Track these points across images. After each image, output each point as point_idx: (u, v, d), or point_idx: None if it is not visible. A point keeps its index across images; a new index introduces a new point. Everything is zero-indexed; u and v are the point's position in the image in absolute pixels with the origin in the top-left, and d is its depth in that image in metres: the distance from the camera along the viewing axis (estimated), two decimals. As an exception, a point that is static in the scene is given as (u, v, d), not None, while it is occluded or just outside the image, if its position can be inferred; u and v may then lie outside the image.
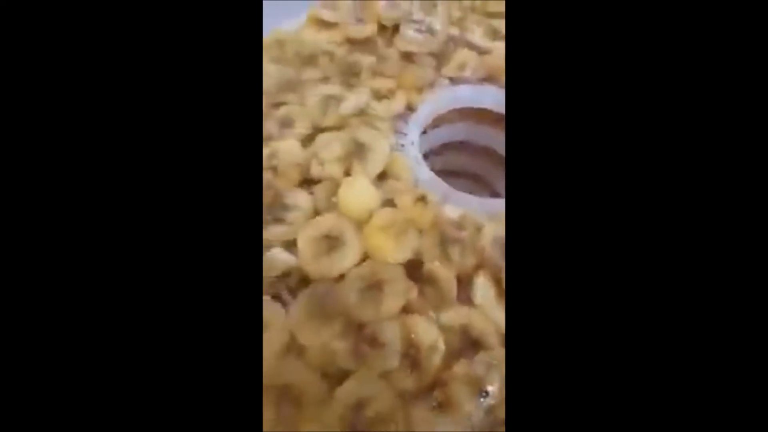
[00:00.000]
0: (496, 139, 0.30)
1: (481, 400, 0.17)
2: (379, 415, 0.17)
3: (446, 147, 0.33)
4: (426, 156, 0.33)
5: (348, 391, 0.17)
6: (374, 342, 0.18)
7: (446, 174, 0.36)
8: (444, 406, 0.17)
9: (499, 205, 0.22)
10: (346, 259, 0.20)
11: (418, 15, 0.30)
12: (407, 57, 0.29)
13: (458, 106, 0.28)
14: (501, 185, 0.33)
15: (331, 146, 0.23)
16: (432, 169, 0.34)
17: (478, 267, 0.20)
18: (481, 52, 0.29)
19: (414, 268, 0.20)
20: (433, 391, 0.17)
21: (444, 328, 0.18)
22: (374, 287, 0.19)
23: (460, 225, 0.21)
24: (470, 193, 0.24)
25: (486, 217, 0.21)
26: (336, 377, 0.17)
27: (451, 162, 0.35)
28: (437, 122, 0.30)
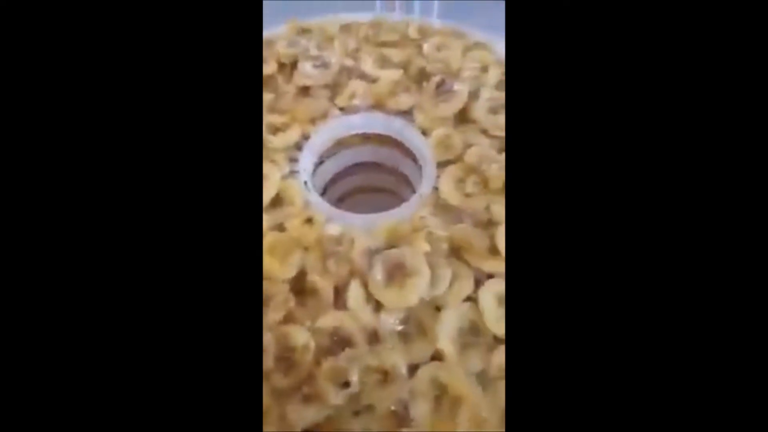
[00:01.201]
0: (396, 158, 0.33)
1: (343, 390, 0.19)
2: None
3: (360, 166, 0.36)
4: (338, 176, 0.36)
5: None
6: (253, 350, 0.20)
7: (366, 190, 0.39)
8: (311, 398, 0.19)
9: (376, 219, 0.25)
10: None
11: (314, 51, 0.33)
12: (304, 91, 0.32)
13: (350, 132, 0.31)
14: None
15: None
16: (351, 187, 0.38)
17: (351, 275, 0.23)
18: (370, 81, 0.32)
19: (298, 282, 0.23)
20: (304, 393, 0.20)
21: (318, 332, 0.21)
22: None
23: (338, 240, 0.24)
24: (387, 206, 0.27)
25: (362, 231, 0.24)
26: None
27: (368, 179, 0.38)
28: (344, 146, 0.34)
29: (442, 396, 0.20)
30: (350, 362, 0.20)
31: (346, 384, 0.20)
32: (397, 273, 0.22)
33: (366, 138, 0.34)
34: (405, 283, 0.22)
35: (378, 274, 0.22)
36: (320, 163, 0.33)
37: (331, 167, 0.34)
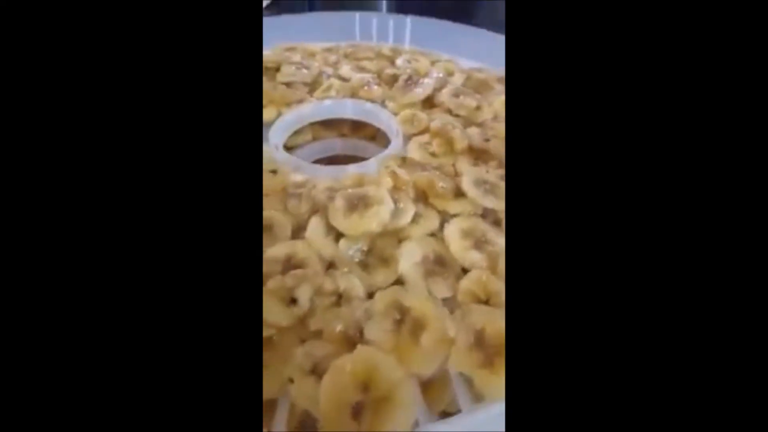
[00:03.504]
0: (360, 148, 0.33)
1: (289, 308, 0.16)
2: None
3: (331, 161, 0.36)
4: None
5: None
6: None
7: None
8: None
9: (342, 171, 0.24)
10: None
11: (297, 59, 0.35)
12: (285, 85, 0.33)
13: (321, 116, 0.31)
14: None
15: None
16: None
17: (314, 211, 0.21)
18: (345, 80, 0.34)
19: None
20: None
21: (269, 260, 0.18)
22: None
23: (301, 185, 0.22)
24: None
25: (327, 178, 0.23)
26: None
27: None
28: (316, 137, 0.34)
29: (404, 319, 0.16)
30: (298, 281, 0.17)
31: (293, 301, 0.16)
32: (359, 204, 0.20)
33: (341, 134, 0.34)
34: (366, 212, 0.20)
35: (339, 204, 0.20)
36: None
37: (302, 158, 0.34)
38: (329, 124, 0.33)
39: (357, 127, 0.34)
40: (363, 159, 0.35)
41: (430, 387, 0.15)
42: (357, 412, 0.14)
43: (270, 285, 0.17)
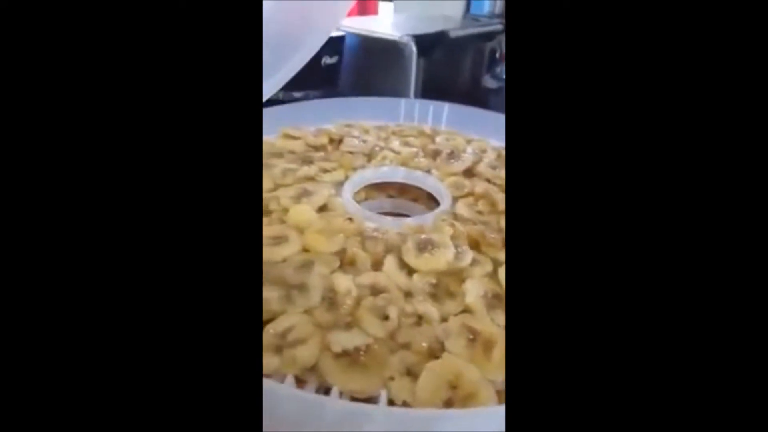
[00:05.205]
0: (406, 207, 0.39)
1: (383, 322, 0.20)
2: (299, 338, 0.19)
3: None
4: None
5: (277, 324, 0.20)
6: (302, 288, 0.21)
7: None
8: (352, 325, 0.19)
9: (403, 222, 0.29)
10: (287, 249, 0.25)
11: (356, 133, 0.43)
12: (350, 153, 0.39)
13: (380, 179, 0.37)
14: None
15: (287, 191, 0.31)
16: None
17: (387, 252, 0.25)
18: (397, 153, 0.40)
19: (341, 255, 0.25)
20: (346, 321, 0.20)
21: (358, 286, 0.22)
22: (308, 265, 0.24)
23: (375, 230, 0.27)
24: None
25: (394, 226, 0.28)
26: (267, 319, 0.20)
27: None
28: (368, 197, 0.39)
29: (476, 338, 0.20)
30: (388, 302, 0.21)
31: (386, 317, 0.20)
32: (427, 246, 0.25)
33: (389, 195, 0.40)
34: (434, 252, 0.24)
35: (410, 245, 0.24)
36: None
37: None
38: (379, 187, 0.39)
39: (402, 190, 0.40)
40: (408, 216, 0.40)
41: (499, 393, 0.18)
42: (447, 405, 0.17)
43: (365, 304, 0.21)
